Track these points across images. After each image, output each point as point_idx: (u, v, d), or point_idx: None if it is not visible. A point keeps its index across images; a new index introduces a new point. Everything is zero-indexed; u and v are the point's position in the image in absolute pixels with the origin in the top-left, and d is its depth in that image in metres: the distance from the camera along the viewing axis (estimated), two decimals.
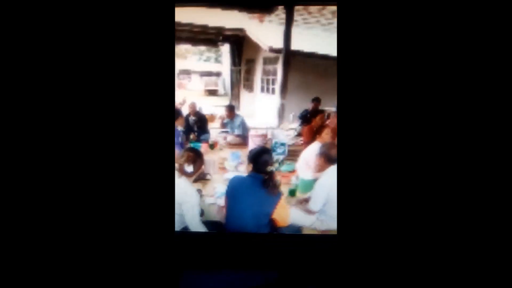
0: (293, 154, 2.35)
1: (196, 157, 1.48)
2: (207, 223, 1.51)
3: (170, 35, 1.01)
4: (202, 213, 1.56)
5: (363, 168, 1.01)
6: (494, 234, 0.99)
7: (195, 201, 1.42)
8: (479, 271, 0.99)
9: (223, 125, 3.40)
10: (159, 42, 1.00)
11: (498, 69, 0.96)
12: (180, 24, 4.58)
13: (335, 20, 5.79)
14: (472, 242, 1.00)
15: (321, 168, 1.68)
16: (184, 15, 4.26)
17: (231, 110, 3.31)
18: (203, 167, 1.52)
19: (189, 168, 1.45)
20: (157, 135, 1.03)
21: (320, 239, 1.52)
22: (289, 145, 2.32)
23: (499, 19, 0.95)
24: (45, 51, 0.97)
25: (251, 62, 6.45)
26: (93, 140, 1.00)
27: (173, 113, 1.13)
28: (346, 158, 1.02)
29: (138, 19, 0.98)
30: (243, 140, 3.01)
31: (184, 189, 1.41)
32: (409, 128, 1.01)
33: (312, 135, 2.24)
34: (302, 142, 2.79)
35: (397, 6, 0.98)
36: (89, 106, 1.00)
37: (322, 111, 3.03)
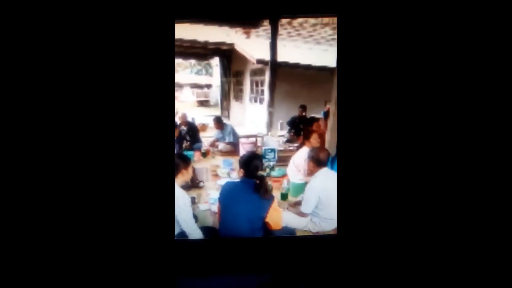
0: (283, 160, 2.32)
1: (177, 162, 1.42)
2: (201, 229, 1.45)
3: (170, 49, 1.04)
4: (196, 220, 1.50)
5: (362, 170, 1.00)
6: (493, 240, 0.96)
7: (183, 202, 1.36)
8: (478, 272, 0.96)
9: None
10: (160, 55, 1.02)
11: (493, 82, 0.96)
12: None
13: (316, 33, 5.92)
14: (471, 244, 0.98)
15: (310, 172, 1.67)
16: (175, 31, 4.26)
17: (218, 121, 3.28)
18: (184, 171, 1.45)
19: None
20: (157, 142, 1.02)
21: (314, 241, 1.49)
22: (278, 151, 2.30)
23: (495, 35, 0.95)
24: (45, 66, 0.95)
25: (240, 74, 6.46)
26: (95, 147, 0.98)
27: (173, 118, 1.14)
28: (345, 159, 1.01)
29: (140, 35, 1.00)
30: (234, 147, 2.97)
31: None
32: (408, 129, 1.01)
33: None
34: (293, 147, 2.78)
35: (396, 16, 0.99)
36: (91, 114, 0.98)
37: (318, 119, 3.04)
